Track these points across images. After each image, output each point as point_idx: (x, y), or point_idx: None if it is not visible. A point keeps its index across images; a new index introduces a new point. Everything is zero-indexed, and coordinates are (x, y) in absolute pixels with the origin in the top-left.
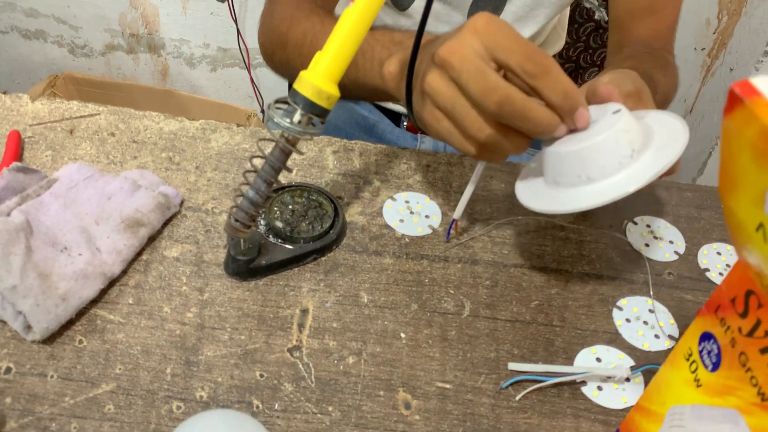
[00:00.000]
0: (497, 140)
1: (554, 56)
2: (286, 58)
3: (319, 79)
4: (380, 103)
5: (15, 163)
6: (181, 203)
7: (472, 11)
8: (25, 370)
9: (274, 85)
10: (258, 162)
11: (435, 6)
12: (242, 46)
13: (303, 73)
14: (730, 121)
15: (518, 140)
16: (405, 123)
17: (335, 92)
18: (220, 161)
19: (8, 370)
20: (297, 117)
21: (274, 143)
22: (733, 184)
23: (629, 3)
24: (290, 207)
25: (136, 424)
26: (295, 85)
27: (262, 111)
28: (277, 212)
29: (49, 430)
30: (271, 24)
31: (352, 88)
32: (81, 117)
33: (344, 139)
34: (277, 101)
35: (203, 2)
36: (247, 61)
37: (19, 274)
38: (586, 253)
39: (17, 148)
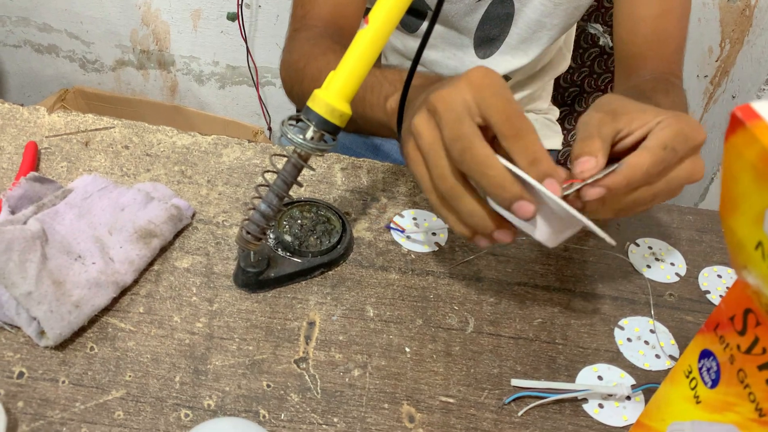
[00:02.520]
0: (455, 195)
1: (558, 78)
2: (302, 92)
3: (332, 97)
4: None
5: (32, 173)
6: (193, 215)
7: (478, 34)
8: (37, 375)
9: (281, 103)
10: (270, 176)
11: (442, 30)
12: (251, 65)
13: (317, 92)
14: (731, 143)
15: (473, 207)
16: None
17: (347, 110)
18: (231, 176)
19: (21, 374)
20: (310, 133)
21: (285, 158)
22: (734, 204)
23: (634, 26)
24: (299, 221)
25: (145, 431)
26: (309, 103)
27: (269, 128)
28: (287, 226)
29: None
30: (290, 60)
31: (361, 123)
32: (96, 130)
33: (352, 157)
34: (290, 118)
35: (214, 21)
36: (255, 79)
37: (35, 280)
38: (589, 273)
39: (34, 158)
